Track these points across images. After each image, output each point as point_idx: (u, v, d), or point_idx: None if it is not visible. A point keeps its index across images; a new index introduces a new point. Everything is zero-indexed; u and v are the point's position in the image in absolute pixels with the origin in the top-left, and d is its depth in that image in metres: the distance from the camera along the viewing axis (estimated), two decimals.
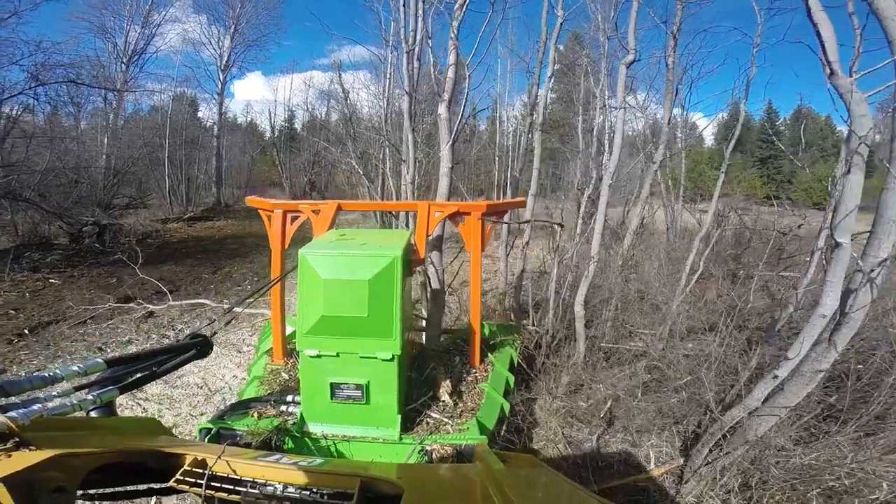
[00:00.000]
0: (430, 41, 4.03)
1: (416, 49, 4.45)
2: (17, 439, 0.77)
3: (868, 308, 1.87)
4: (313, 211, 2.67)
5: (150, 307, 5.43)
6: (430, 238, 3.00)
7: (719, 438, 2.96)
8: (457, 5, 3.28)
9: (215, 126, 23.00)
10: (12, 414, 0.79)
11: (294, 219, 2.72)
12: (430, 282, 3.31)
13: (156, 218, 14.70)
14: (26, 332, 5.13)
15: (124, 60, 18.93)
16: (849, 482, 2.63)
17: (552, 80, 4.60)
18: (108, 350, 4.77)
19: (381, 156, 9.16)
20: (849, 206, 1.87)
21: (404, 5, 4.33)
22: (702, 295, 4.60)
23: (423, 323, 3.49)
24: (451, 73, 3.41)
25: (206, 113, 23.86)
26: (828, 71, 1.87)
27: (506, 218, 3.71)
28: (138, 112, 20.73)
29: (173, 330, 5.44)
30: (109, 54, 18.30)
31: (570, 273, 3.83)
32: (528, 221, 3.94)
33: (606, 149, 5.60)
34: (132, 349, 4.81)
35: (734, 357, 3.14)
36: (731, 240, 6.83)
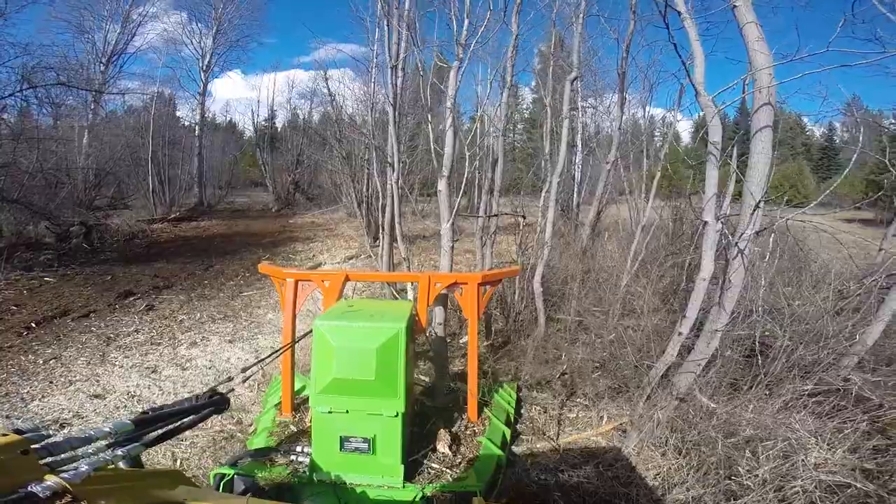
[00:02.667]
0: (417, 49, 4.32)
1: (400, 64, 4.93)
2: (69, 497, 0.85)
3: (744, 274, 2.48)
4: (323, 280, 2.94)
5: (152, 305, 5.74)
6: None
7: (655, 397, 3.55)
8: (451, 74, 3.47)
9: (196, 126, 22.90)
10: (66, 475, 0.88)
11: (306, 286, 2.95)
12: (430, 339, 3.43)
13: (141, 218, 14.76)
14: (33, 325, 5.43)
15: (103, 60, 18.79)
16: (751, 432, 3.23)
17: (508, 94, 5.08)
18: (118, 339, 5.15)
19: (365, 156, 9.57)
20: (709, 194, 2.49)
21: (388, 25, 4.78)
22: (654, 278, 5.26)
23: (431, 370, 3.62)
24: (448, 144, 3.43)
25: (186, 113, 23.72)
26: (695, 91, 2.47)
27: (480, 213, 4.22)
28: (115, 113, 20.53)
29: (175, 321, 5.83)
30: (88, 54, 18.14)
31: (532, 257, 4.42)
32: (495, 215, 4.52)
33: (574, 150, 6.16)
34: (140, 339, 5.20)
35: (665, 327, 3.76)
36: (689, 231, 7.58)
